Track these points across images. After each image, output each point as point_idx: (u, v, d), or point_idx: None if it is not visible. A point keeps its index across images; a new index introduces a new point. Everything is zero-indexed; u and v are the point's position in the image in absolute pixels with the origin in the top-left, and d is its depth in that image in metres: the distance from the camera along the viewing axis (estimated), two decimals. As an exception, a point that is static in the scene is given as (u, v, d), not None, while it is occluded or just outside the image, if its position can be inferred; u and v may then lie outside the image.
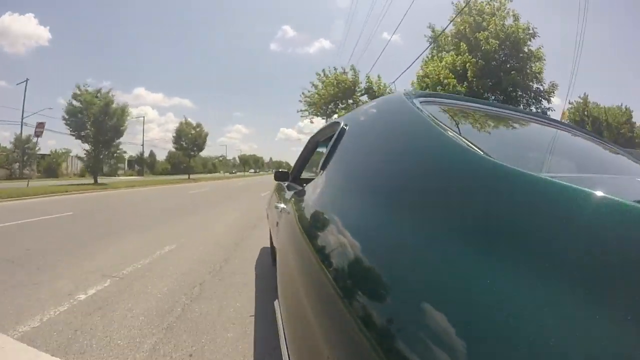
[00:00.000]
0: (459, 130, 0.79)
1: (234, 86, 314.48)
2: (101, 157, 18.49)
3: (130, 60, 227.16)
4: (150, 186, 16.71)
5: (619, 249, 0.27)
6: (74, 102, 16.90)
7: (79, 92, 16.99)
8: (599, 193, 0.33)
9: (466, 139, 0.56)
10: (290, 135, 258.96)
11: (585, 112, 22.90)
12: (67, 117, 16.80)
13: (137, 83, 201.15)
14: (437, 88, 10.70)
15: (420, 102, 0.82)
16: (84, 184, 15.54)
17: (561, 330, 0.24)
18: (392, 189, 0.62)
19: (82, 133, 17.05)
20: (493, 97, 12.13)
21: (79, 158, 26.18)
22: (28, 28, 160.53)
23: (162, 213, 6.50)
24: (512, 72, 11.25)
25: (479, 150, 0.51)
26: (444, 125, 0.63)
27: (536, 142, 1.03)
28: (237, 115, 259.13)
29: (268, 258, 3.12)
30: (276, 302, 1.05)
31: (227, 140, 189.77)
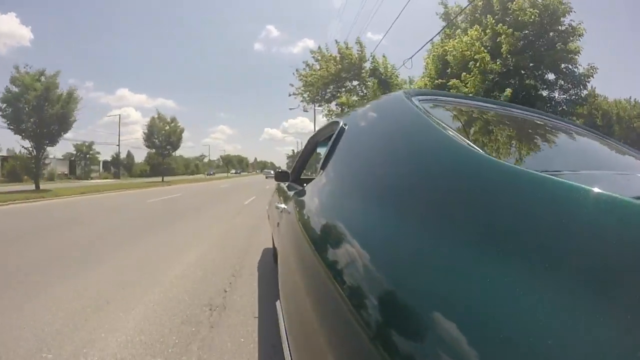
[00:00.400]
0: (459, 128, 0.78)
1: (218, 87, 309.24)
2: (42, 154, 14.82)
3: (113, 60, 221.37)
4: (109, 192, 13.70)
5: (622, 246, 0.27)
6: (13, 88, 13.39)
7: (17, 75, 13.49)
8: (601, 190, 0.32)
9: (466, 138, 0.55)
10: (274, 136, 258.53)
11: (593, 106, 21.55)
12: (1, 105, 13.32)
13: (121, 84, 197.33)
14: (469, 65, 8.48)
15: (420, 101, 0.80)
16: (23, 191, 12.47)
17: (564, 329, 0.24)
18: (391, 188, 0.61)
19: (22, 126, 13.57)
20: (516, 85, 10.05)
21: (16, 157, 22.22)
22: (10, 27, 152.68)
23: (77, 246, 3.80)
24: (558, 45, 9.15)
25: (479, 149, 0.50)
26: (443, 124, 0.62)
27: (536, 139, 1.01)
28: (222, 115, 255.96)
29: None
30: (278, 303, 1.06)
31: (211, 140, 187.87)
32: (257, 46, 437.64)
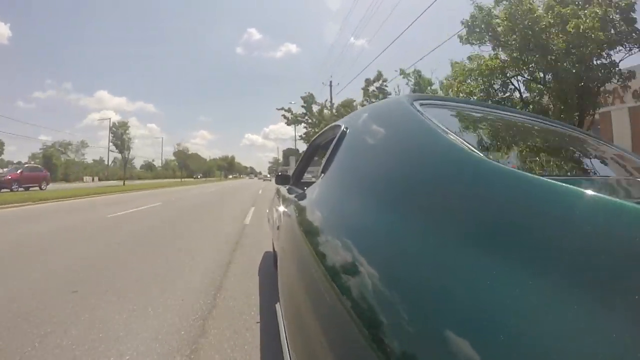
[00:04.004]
0: (460, 132, 0.78)
1: (199, 91, 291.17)
2: None
3: (93, 62, 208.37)
4: None
5: (620, 250, 0.27)
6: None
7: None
8: (599, 194, 0.32)
9: (467, 141, 0.56)
10: (255, 141, 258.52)
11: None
12: None
13: (100, 86, 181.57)
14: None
15: (420, 105, 0.81)
16: None
17: (562, 331, 0.25)
18: (393, 192, 0.61)
19: None
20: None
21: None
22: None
23: None
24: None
25: (479, 153, 0.51)
26: (445, 128, 0.62)
27: (536, 143, 1.01)
28: (202, 120, 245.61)
29: None
30: (278, 305, 1.05)
31: (191, 146, 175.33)
32: (238, 50, 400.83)
